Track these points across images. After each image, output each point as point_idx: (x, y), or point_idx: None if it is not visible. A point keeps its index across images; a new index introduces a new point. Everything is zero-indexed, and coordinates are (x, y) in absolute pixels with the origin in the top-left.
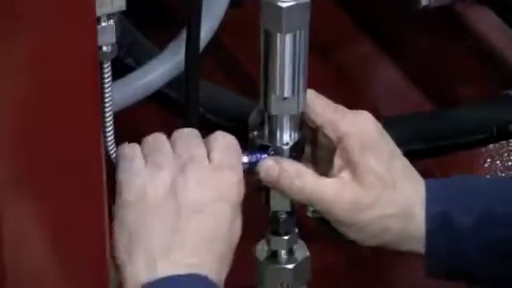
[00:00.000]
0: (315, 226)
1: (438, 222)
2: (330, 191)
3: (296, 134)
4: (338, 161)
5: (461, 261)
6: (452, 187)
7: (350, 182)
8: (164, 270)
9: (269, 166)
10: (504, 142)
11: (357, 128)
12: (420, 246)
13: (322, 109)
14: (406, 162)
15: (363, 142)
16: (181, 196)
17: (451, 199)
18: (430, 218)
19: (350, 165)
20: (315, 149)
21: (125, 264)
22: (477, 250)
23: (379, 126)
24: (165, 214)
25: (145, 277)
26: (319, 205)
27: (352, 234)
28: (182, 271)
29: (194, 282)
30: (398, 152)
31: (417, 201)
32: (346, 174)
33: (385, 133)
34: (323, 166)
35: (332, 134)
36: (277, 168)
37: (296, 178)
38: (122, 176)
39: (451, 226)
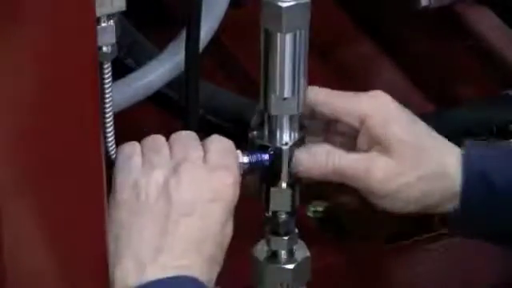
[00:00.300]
0: (315, 225)
1: (475, 178)
2: (361, 166)
3: (296, 134)
4: (362, 140)
5: (497, 216)
6: (489, 148)
7: (379, 154)
8: (153, 273)
9: (304, 158)
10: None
11: (375, 105)
12: (458, 204)
13: (337, 98)
14: (428, 127)
15: (384, 115)
16: (172, 196)
17: (487, 159)
18: (466, 175)
19: (376, 139)
20: (328, 136)
21: (114, 266)
22: None
23: (394, 100)
24: (155, 216)
25: (134, 280)
26: (353, 181)
27: (388, 205)
28: (171, 274)
29: (183, 284)
30: (418, 119)
31: (449, 159)
32: (373, 149)
33: (401, 106)
34: None
35: (352, 119)
36: (310, 157)
37: (329, 159)
38: (119, 174)
39: (488, 183)
